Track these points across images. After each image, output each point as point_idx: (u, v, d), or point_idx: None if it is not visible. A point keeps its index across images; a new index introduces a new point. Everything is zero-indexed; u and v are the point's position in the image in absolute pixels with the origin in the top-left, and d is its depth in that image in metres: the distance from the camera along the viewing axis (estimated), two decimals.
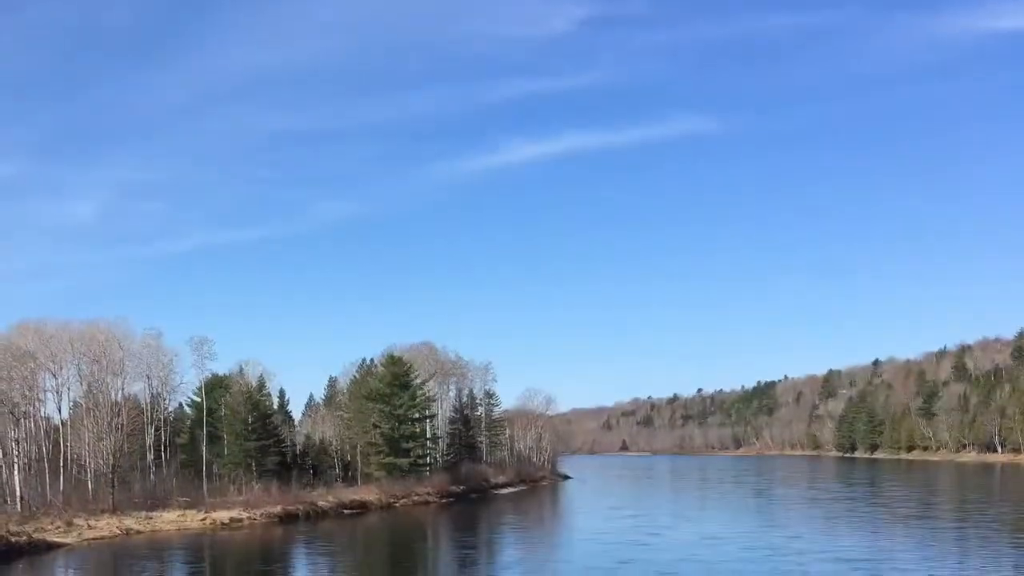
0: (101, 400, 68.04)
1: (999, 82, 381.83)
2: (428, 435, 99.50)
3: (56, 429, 73.75)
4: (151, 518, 61.17)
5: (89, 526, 56.36)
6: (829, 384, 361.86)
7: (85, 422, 67.40)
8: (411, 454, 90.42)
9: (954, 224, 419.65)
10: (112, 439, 65.47)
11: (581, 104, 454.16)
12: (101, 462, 65.83)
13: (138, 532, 57.64)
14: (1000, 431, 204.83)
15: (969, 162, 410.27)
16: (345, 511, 74.33)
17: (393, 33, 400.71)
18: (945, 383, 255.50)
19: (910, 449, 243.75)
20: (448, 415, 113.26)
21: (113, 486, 63.80)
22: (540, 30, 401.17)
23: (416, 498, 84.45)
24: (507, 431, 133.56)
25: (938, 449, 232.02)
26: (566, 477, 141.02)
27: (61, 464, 68.24)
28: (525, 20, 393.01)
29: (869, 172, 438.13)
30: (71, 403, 75.81)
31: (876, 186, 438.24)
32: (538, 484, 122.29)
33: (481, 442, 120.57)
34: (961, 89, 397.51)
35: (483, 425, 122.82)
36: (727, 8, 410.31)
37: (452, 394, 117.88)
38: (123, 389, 74.86)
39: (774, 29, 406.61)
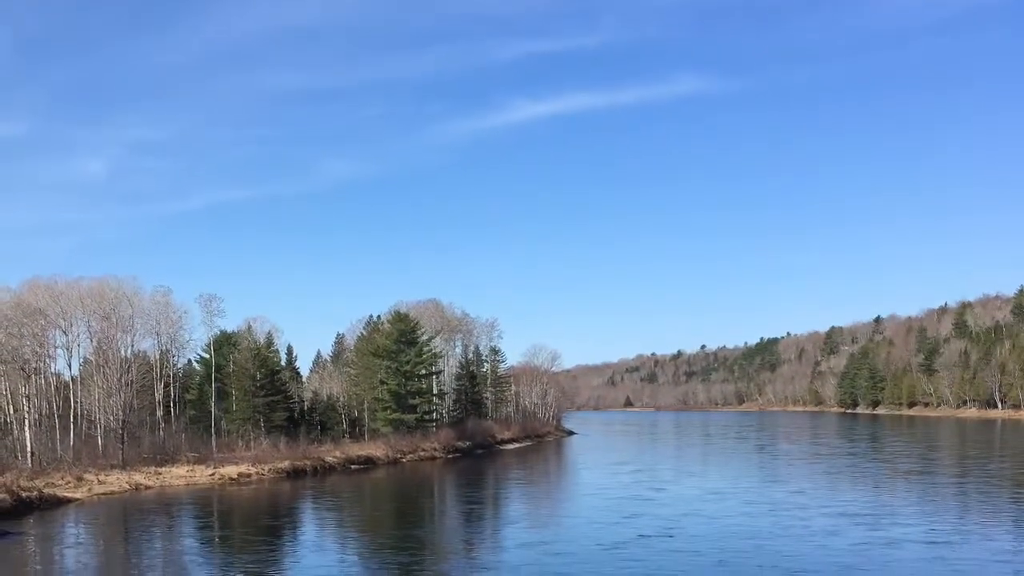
0: (111, 357, 68.52)
1: (1001, 39, 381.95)
2: (434, 391, 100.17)
3: (66, 385, 74.38)
4: (160, 473, 61.85)
5: (99, 481, 56.98)
6: (831, 341, 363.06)
7: (95, 378, 68.02)
8: (417, 410, 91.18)
9: (955, 181, 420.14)
10: (122, 395, 66.06)
11: (584, 64, 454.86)
12: (111, 418, 66.51)
13: (147, 487, 58.28)
14: (1000, 387, 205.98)
15: (970, 118, 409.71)
16: (352, 466, 75.16)
17: None
18: (946, 340, 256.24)
19: (911, 405, 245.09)
20: (454, 371, 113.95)
21: (123, 442, 64.52)
22: None
23: (422, 453, 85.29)
24: (512, 387, 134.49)
25: (939, 405, 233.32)
26: (571, 433, 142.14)
27: (71, 420, 68.92)
28: None
29: (870, 129, 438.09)
30: (81, 360, 76.64)
31: (877, 143, 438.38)
32: (543, 440, 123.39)
33: (487, 398, 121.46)
34: (962, 46, 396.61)
35: (489, 381, 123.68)
36: None
37: (458, 351, 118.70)
38: (133, 346, 75.68)
39: None
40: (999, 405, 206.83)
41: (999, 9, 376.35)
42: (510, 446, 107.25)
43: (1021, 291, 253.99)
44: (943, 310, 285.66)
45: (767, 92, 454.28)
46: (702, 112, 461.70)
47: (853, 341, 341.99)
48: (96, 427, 67.87)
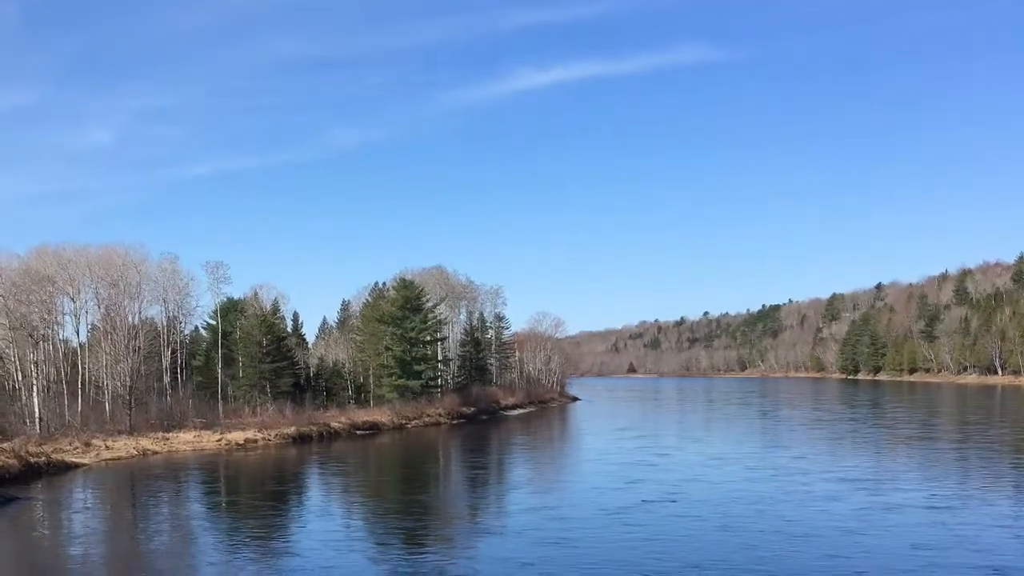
0: (118, 323, 68.76)
1: (999, 11, 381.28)
2: (439, 357, 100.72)
3: (74, 352, 74.80)
4: (167, 439, 62.35)
5: (107, 447, 57.47)
6: (832, 307, 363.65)
7: (103, 345, 68.29)
8: (422, 376, 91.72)
9: (955, 148, 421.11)
10: (129, 361, 66.46)
11: (587, 33, 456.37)
12: (118, 384, 66.96)
13: (155, 452, 58.75)
14: (1001, 353, 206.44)
15: (970, 87, 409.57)
16: (357, 432, 75.74)
17: None
18: (946, 306, 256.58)
19: (912, 371, 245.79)
20: (459, 338, 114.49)
21: (130, 407, 65.00)
22: None
23: (427, 419, 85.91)
24: (517, 353, 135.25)
25: (940, 371, 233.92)
26: (575, 399, 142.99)
27: (79, 386, 69.22)
28: None
29: (871, 98, 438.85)
30: (89, 326, 77.18)
31: (878, 111, 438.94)
32: (547, 406, 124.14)
33: (491, 364, 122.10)
34: (960, 17, 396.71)
35: (493, 348, 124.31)
36: None
37: (463, 317, 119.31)
38: (140, 312, 76.08)
39: None
40: (999, 371, 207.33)
41: None
42: (514, 412, 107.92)
43: (1021, 258, 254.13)
44: (944, 277, 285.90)
45: (769, 61, 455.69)
46: (705, 80, 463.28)
47: (854, 308, 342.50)
48: (104, 393, 68.30)
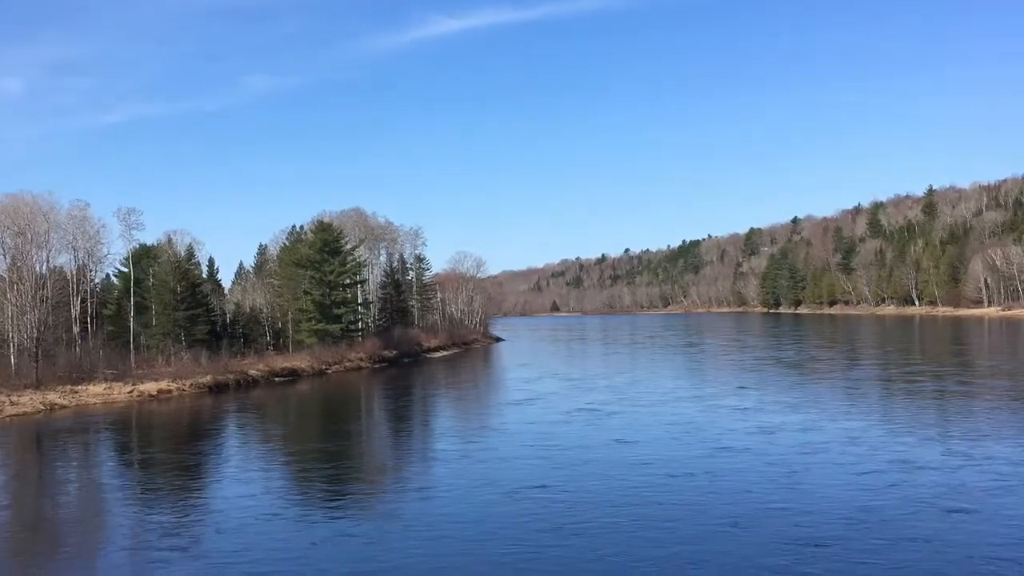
0: (25, 273, 65.72)
1: None
2: (359, 301, 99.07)
3: None
4: (76, 392, 59.80)
5: (11, 402, 54.88)
6: (751, 242, 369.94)
7: (8, 296, 65.15)
8: (342, 320, 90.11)
9: (862, 85, 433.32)
10: (36, 312, 63.57)
11: None
12: (25, 336, 64.11)
13: (63, 407, 56.38)
14: (916, 284, 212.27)
15: (883, 29, 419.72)
16: (276, 379, 74.01)
17: None
18: (861, 239, 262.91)
19: (832, 303, 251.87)
20: (379, 280, 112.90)
21: (37, 360, 62.21)
22: None
23: (348, 364, 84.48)
24: (438, 295, 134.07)
25: (859, 303, 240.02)
26: (498, 339, 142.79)
27: None
28: None
29: (774, 34, 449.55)
30: None
31: (784, 46, 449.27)
32: (471, 347, 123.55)
33: (413, 306, 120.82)
34: None
35: (414, 289, 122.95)
36: None
37: (383, 259, 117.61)
38: (48, 261, 72.85)
39: None
40: (916, 302, 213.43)
41: None
42: (437, 354, 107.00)
43: (930, 191, 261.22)
44: (857, 210, 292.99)
45: (669, 6, 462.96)
46: (607, 25, 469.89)
47: (772, 242, 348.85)
48: (9, 346, 65.30)
